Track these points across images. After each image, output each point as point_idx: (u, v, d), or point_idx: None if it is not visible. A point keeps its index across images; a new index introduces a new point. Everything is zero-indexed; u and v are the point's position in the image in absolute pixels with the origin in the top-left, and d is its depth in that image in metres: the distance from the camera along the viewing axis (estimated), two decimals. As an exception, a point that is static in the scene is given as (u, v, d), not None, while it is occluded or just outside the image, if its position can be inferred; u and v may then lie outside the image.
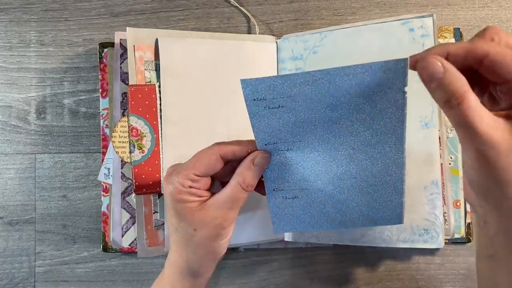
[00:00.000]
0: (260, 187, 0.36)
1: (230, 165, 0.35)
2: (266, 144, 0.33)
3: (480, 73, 0.28)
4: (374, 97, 0.30)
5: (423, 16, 0.44)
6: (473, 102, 0.25)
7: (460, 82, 0.26)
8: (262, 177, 0.35)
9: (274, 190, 0.36)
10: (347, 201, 0.36)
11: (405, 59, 0.28)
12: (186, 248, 0.36)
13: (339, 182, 0.35)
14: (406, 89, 0.29)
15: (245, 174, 0.34)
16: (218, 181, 0.37)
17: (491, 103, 0.30)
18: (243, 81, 0.30)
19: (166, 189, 0.35)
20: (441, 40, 0.47)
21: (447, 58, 0.27)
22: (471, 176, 0.28)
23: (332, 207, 0.37)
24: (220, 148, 0.34)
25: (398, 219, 0.37)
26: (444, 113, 0.28)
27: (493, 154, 0.26)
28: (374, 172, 0.34)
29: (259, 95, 0.30)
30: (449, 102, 0.26)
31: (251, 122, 0.32)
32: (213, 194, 0.36)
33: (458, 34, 0.47)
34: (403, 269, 0.49)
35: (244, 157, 0.34)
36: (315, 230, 0.38)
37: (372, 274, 0.49)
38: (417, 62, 0.27)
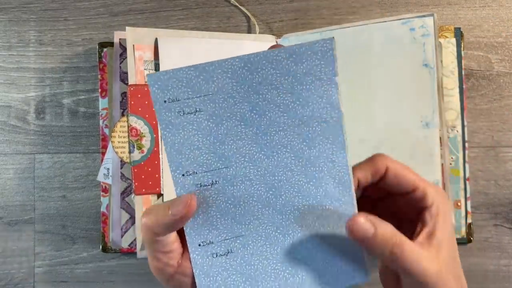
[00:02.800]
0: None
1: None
2: (183, 175, 0.25)
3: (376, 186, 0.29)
4: (304, 93, 0.25)
5: (423, 16, 0.44)
6: (408, 246, 0.26)
7: (391, 231, 0.26)
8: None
9: (200, 245, 0.27)
10: (296, 250, 0.27)
11: (331, 39, 0.24)
12: None
13: (281, 218, 0.27)
14: (338, 79, 0.25)
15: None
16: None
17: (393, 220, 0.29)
18: (149, 76, 0.24)
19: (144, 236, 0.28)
20: (442, 40, 0.46)
21: (359, 182, 0.28)
22: None
23: (279, 261, 0.27)
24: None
25: (363, 273, 0.29)
26: (386, 264, 0.28)
27: (433, 280, 0.26)
28: (320, 201, 0.27)
29: (171, 94, 0.24)
30: (393, 254, 0.26)
31: (162, 137, 0.25)
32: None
33: (458, 33, 0.47)
34: (404, 269, 0.49)
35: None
36: None
37: (372, 274, 0.49)
38: (347, 226, 0.26)
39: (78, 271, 0.49)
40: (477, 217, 0.48)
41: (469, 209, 0.47)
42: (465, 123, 0.46)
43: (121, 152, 0.46)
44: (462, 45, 0.47)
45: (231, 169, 0.26)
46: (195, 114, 0.25)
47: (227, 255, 0.27)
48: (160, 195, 0.46)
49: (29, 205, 0.49)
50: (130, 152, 0.45)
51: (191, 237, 0.26)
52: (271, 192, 0.27)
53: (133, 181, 0.44)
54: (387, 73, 0.45)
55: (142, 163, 0.45)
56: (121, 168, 0.47)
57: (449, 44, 0.46)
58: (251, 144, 0.26)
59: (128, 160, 0.45)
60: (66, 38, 0.50)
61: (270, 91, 0.25)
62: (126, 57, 0.46)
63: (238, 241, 0.27)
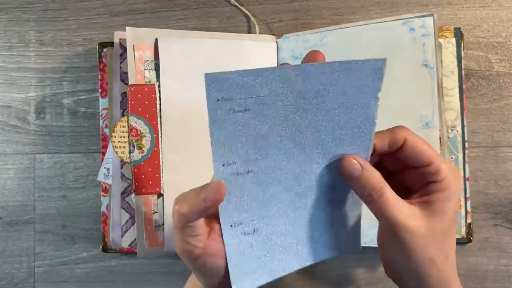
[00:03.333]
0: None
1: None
2: (224, 165, 0.28)
3: (395, 158, 0.31)
4: (346, 102, 0.28)
5: (423, 16, 0.44)
6: (390, 195, 0.29)
7: (376, 178, 0.29)
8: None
9: (232, 226, 0.30)
10: (308, 226, 0.32)
11: (383, 60, 0.27)
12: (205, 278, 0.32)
13: (300, 202, 0.31)
14: (380, 95, 0.28)
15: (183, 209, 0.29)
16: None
17: (404, 193, 0.32)
18: (207, 75, 0.25)
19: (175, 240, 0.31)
20: (441, 40, 0.46)
21: (375, 147, 0.30)
22: (396, 259, 0.31)
23: (293, 235, 0.32)
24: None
25: (356, 243, 0.34)
26: (367, 207, 0.31)
27: (413, 239, 0.29)
28: (336, 188, 0.32)
29: (225, 94, 0.26)
30: (370, 196, 0.29)
31: (210, 132, 0.27)
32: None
33: (458, 33, 0.47)
34: (404, 269, 0.49)
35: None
36: (278, 276, 0.32)
37: (372, 274, 0.49)
38: (339, 162, 0.30)
39: (78, 271, 0.49)
40: (477, 217, 0.48)
41: (469, 209, 0.47)
42: (465, 123, 0.47)
43: (121, 152, 0.46)
44: (462, 45, 0.47)
45: (266, 160, 0.29)
46: (243, 113, 0.27)
47: (253, 233, 0.31)
48: (160, 195, 0.46)
49: (29, 205, 0.50)
50: (130, 152, 0.45)
51: (224, 219, 0.29)
52: (296, 181, 0.30)
53: (133, 181, 0.44)
54: (387, 73, 0.45)
55: (142, 163, 0.45)
56: (121, 168, 0.47)
57: (449, 44, 0.46)
58: (288, 140, 0.29)
59: (128, 160, 0.45)
60: (66, 38, 0.50)
61: (316, 98, 0.28)
62: (126, 57, 0.46)
63: (263, 221, 0.31)
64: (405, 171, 0.32)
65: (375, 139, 0.30)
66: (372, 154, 0.31)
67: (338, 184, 0.31)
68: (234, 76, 0.26)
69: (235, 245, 0.30)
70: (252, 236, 0.31)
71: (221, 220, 0.29)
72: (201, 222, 0.30)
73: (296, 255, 0.32)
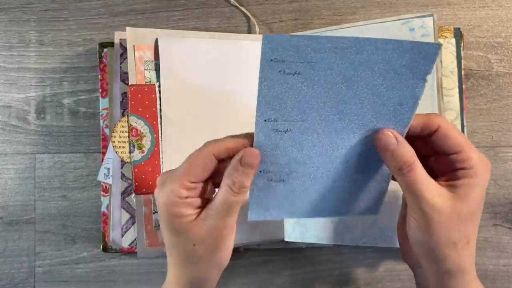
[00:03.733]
0: None
1: (224, 163, 0.32)
2: (265, 120, 0.30)
3: (427, 144, 0.32)
4: (394, 79, 0.29)
5: (423, 16, 0.44)
6: (420, 171, 0.30)
7: (409, 153, 0.30)
8: None
9: (261, 171, 0.33)
10: (333, 187, 0.34)
11: (439, 45, 0.28)
12: (186, 266, 0.34)
13: (330, 166, 0.33)
14: (429, 77, 0.29)
15: (233, 176, 0.31)
16: (211, 182, 0.34)
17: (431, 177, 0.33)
18: (265, 36, 0.26)
19: (160, 201, 0.32)
20: (441, 40, 0.47)
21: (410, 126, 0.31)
22: (417, 237, 0.32)
23: (315, 193, 0.35)
24: (213, 147, 0.31)
25: (375, 209, 0.37)
26: (397, 181, 0.32)
27: (437, 217, 0.30)
28: (368, 160, 0.33)
29: (279, 55, 0.27)
30: (401, 170, 0.30)
31: (258, 88, 0.28)
32: (207, 201, 0.33)
33: (458, 34, 0.47)
34: (403, 269, 0.49)
35: None
36: (291, 218, 0.36)
37: (372, 274, 0.49)
38: (375, 134, 0.31)
39: (78, 270, 0.49)
40: (476, 217, 0.48)
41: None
42: (465, 123, 0.47)
43: (121, 152, 0.46)
44: (462, 45, 0.47)
45: (306, 123, 0.31)
46: (293, 75, 0.28)
47: (279, 182, 0.33)
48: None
49: (30, 205, 0.50)
50: (130, 152, 0.45)
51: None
52: (330, 146, 0.32)
53: (133, 181, 0.44)
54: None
55: (143, 163, 0.45)
56: (122, 168, 0.47)
57: (449, 45, 0.47)
58: (330, 108, 0.30)
59: (128, 160, 0.45)
60: (66, 38, 0.50)
61: (366, 71, 0.28)
62: (126, 57, 0.46)
63: (291, 175, 0.33)
64: (435, 157, 0.33)
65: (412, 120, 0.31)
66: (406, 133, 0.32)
67: (370, 156, 0.33)
68: (290, 40, 0.27)
69: (260, 186, 0.33)
70: (277, 185, 0.33)
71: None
72: (201, 188, 0.32)
73: (314, 207, 0.35)
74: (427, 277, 0.33)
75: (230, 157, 0.32)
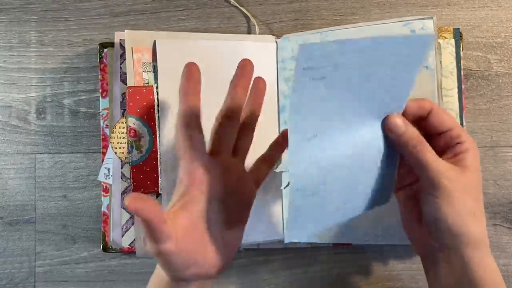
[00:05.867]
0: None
1: None
2: (298, 132, 0.30)
3: (422, 130, 0.35)
4: (400, 69, 0.31)
5: (423, 18, 0.44)
6: (430, 149, 0.33)
7: (417, 133, 0.34)
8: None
9: (298, 189, 0.32)
10: (354, 184, 0.36)
11: (433, 35, 0.32)
12: None
13: (351, 163, 0.35)
14: (424, 62, 0.33)
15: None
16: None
17: None
18: (303, 46, 0.27)
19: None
20: (441, 41, 0.47)
21: (405, 110, 0.34)
22: (438, 214, 0.33)
23: (342, 195, 0.36)
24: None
25: (386, 199, 0.38)
26: (409, 160, 0.34)
27: (455, 187, 0.32)
28: (379, 149, 0.35)
29: (312, 62, 0.28)
30: (414, 148, 0.33)
31: (292, 98, 0.29)
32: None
33: (457, 34, 0.47)
34: (403, 269, 0.49)
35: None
36: (324, 230, 0.37)
37: (372, 274, 0.49)
38: (385, 119, 0.34)
39: (78, 270, 0.49)
40: (476, 217, 0.48)
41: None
42: (464, 123, 0.47)
43: (120, 153, 0.46)
44: (462, 46, 0.47)
45: (330, 125, 0.32)
46: (320, 80, 0.29)
47: (313, 196, 0.33)
48: (158, 194, 0.46)
49: (30, 205, 0.50)
50: (128, 152, 0.45)
51: (293, 183, 0.32)
52: (348, 144, 0.33)
53: (132, 180, 0.45)
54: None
55: (141, 163, 0.45)
56: (122, 168, 0.47)
57: (448, 45, 0.47)
58: (348, 107, 0.32)
59: (127, 160, 0.45)
60: (67, 38, 0.50)
61: (379, 66, 0.30)
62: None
63: (322, 186, 0.33)
64: (432, 139, 0.35)
65: (408, 103, 0.34)
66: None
67: (382, 144, 0.35)
68: (324, 46, 0.28)
69: (297, 206, 0.33)
70: (312, 198, 0.34)
71: (291, 184, 0.32)
72: (169, 220, 0.30)
73: (343, 210, 0.36)
74: (450, 258, 0.34)
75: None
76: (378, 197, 0.38)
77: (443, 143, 0.35)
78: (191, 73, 0.35)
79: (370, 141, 0.35)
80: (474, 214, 0.33)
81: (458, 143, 0.34)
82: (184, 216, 0.32)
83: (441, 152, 0.35)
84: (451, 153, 0.35)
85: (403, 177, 0.38)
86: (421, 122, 0.35)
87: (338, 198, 0.36)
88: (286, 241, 0.36)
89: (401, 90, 0.33)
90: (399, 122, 0.34)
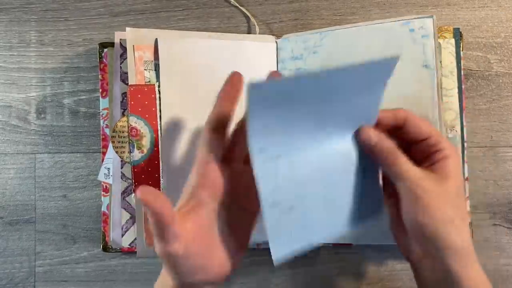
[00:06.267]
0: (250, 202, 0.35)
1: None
2: (260, 151, 0.31)
3: (400, 139, 0.35)
4: (361, 90, 0.33)
5: (423, 17, 0.44)
6: (404, 158, 0.33)
7: (391, 144, 0.34)
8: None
9: (271, 206, 0.32)
10: (337, 199, 0.36)
11: (395, 59, 0.32)
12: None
13: (328, 179, 0.35)
14: (388, 81, 0.33)
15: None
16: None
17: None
18: (251, 85, 0.28)
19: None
20: (441, 41, 0.47)
21: (379, 120, 0.35)
22: (415, 223, 0.33)
23: (325, 209, 0.35)
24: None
25: (378, 210, 0.38)
26: (384, 171, 0.35)
27: (429, 197, 0.32)
28: (355, 162, 0.36)
29: (263, 96, 0.29)
30: (387, 160, 0.33)
31: (248, 124, 0.30)
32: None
33: (457, 34, 0.47)
34: (403, 269, 0.49)
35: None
36: (313, 245, 0.35)
37: (372, 274, 0.49)
38: (357, 131, 0.34)
39: (78, 270, 0.49)
40: (476, 217, 0.48)
41: (468, 209, 0.47)
42: (464, 123, 0.47)
43: (121, 152, 0.46)
44: (462, 46, 0.47)
45: (295, 143, 0.33)
46: (277, 108, 0.30)
47: (290, 210, 0.33)
48: (160, 194, 0.46)
49: (30, 204, 0.50)
50: (130, 152, 0.45)
51: (264, 199, 0.32)
52: (320, 159, 0.34)
53: (133, 180, 0.44)
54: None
55: (142, 163, 0.45)
56: (122, 168, 0.47)
57: (448, 45, 0.47)
58: (313, 125, 0.33)
59: (128, 160, 0.45)
60: (66, 38, 0.50)
61: (338, 91, 0.32)
62: (126, 57, 0.46)
63: (297, 200, 0.33)
64: (411, 149, 0.35)
65: (381, 113, 0.35)
66: (378, 127, 0.35)
67: (355, 158, 0.35)
68: (274, 85, 0.30)
69: (274, 223, 0.33)
70: (289, 214, 0.33)
71: (262, 202, 0.32)
72: (179, 220, 0.31)
73: (329, 225, 0.36)
74: (433, 266, 0.34)
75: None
76: (367, 210, 0.37)
77: (422, 151, 0.35)
78: (233, 80, 0.35)
79: (344, 155, 0.35)
80: (452, 222, 0.32)
81: (436, 150, 0.34)
82: (193, 220, 0.32)
83: (420, 160, 0.35)
84: (430, 161, 0.34)
85: (386, 184, 0.38)
86: (398, 131, 0.35)
87: (321, 213, 0.35)
88: (275, 263, 0.33)
89: (369, 105, 0.34)
90: (371, 134, 0.34)
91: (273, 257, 0.33)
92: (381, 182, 0.38)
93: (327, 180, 0.35)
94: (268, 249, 0.50)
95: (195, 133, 0.46)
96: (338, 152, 0.35)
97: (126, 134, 0.46)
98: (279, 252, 0.33)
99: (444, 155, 0.34)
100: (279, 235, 0.33)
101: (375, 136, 0.34)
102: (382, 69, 0.32)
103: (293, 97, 0.30)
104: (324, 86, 0.31)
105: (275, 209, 0.33)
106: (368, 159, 0.36)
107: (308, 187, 0.34)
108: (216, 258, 0.34)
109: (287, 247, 0.34)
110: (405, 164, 0.33)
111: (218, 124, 0.34)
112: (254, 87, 0.28)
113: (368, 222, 0.37)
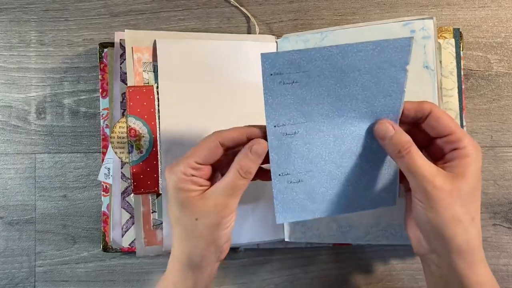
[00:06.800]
0: (261, 174, 0.38)
1: (231, 154, 0.36)
2: (275, 126, 0.34)
3: (423, 132, 0.35)
4: (379, 74, 0.33)
5: (423, 18, 0.44)
6: (418, 153, 0.33)
7: (406, 138, 0.34)
8: (262, 164, 0.36)
9: (280, 175, 0.36)
10: (348, 181, 0.37)
11: (409, 38, 0.32)
12: (187, 240, 0.36)
13: (341, 161, 0.36)
14: (408, 67, 0.33)
15: (242, 162, 0.35)
16: (219, 173, 0.38)
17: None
18: (263, 55, 0.31)
19: (169, 179, 0.35)
20: (441, 41, 0.47)
21: (403, 112, 0.34)
22: (423, 218, 0.33)
23: (334, 188, 0.37)
24: (219, 135, 0.35)
25: (392, 200, 0.38)
26: (397, 164, 0.35)
27: (439, 194, 0.32)
28: (374, 149, 0.36)
29: (277, 69, 0.31)
30: (400, 153, 0.33)
31: (264, 100, 0.33)
32: (213, 184, 0.36)
33: (457, 34, 0.47)
34: (403, 269, 0.49)
35: (243, 144, 0.35)
36: (316, 217, 0.38)
37: (372, 274, 0.49)
38: (374, 125, 0.35)
39: (79, 270, 0.49)
40: (476, 217, 0.48)
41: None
42: (464, 123, 0.47)
43: (120, 153, 0.46)
44: (462, 46, 0.47)
45: (311, 123, 0.35)
46: (292, 84, 0.32)
47: (298, 183, 0.37)
48: (158, 194, 0.46)
49: (30, 204, 0.50)
50: (129, 152, 0.45)
51: (274, 169, 0.36)
52: (337, 142, 0.36)
53: (132, 180, 0.45)
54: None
55: (141, 163, 0.45)
56: (122, 168, 0.47)
57: (448, 45, 0.47)
58: (329, 107, 0.34)
59: (127, 160, 0.45)
60: (67, 38, 0.50)
61: (354, 72, 0.32)
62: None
63: (307, 174, 0.36)
64: (430, 145, 0.36)
65: (406, 104, 0.34)
66: (401, 120, 0.35)
67: (374, 146, 0.36)
68: (285, 55, 0.31)
69: (281, 189, 0.37)
70: (297, 185, 0.37)
71: (272, 169, 0.36)
72: (208, 171, 0.36)
73: (334, 204, 0.38)
74: (440, 262, 0.34)
75: (235, 147, 0.36)
76: (382, 198, 0.38)
77: (442, 147, 0.35)
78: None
79: (361, 141, 0.36)
80: (460, 221, 0.32)
81: (457, 148, 0.33)
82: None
83: (439, 156, 0.35)
84: (448, 158, 0.34)
85: (404, 177, 0.38)
86: (421, 124, 0.35)
87: (329, 190, 0.37)
88: (277, 222, 0.38)
89: (389, 95, 0.34)
90: (388, 126, 0.34)
91: (276, 218, 0.37)
92: (398, 175, 0.38)
93: (340, 162, 0.36)
94: (268, 249, 0.50)
95: (194, 133, 0.46)
96: (356, 137, 0.36)
97: (125, 134, 0.46)
98: (282, 214, 0.37)
99: (463, 153, 0.33)
100: (284, 201, 0.37)
101: (392, 129, 0.34)
102: (395, 50, 0.32)
103: (309, 74, 0.32)
104: (337, 64, 0.32)
105: (284, 178, 0.36)
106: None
107: (320, 165, 0.36)
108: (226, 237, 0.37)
109: (290, 212, 0.37)
110: (419, 160, 0.33)
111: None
112: (267, 57, 0.30)
113: (377, 207, 0.39)
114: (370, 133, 0.35)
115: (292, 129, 0.34)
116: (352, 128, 0.35)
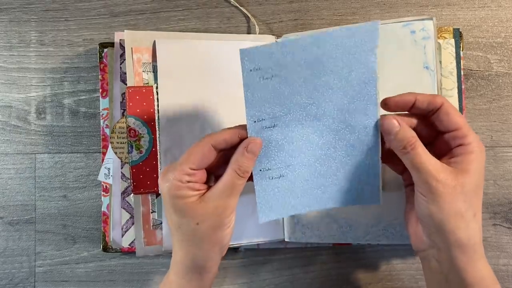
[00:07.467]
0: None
1: (224, 156, 0.36)
2: (255, 121, 0.35)
3: (428, 128, 0.36)
4: (351, 60, 0.33)
5: (423, 19, 0.44)
6: (422, 148, 0.34)
7: (411, 134, 0.34)
8: None
9: (261, 170, 0.36)
10: (329, 175, 0.37)
11: (376, 22, 0.33)
12: (190, 245, 0.36)
13: (321, 152, 0.36)
14: (377, 50, 0.33)
15: (240, 161, 0.35)
16: (213, 175, 0.38)
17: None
18: (242, 51, 0.31)
19: (163, 187, 0.35)
20: (440, 41, 0.47)
21: (415, 104, 0.35)
22: (426, 212, 0.34)
23: (314, 181, 0.37)
24: (211, 138, 0.35)
25: (376, 198, 0.38)
26: (401, 159, 0.35)
27: (442, 188, 0.32)
28: (352, 142, 0.36)
29: (256, 64, 0.32)
30: (404, 149, 0.34)
31: (244, 96, 0.34)
32: (210, 187, 0.36)
33: (457, 34, 0.47)
34: (403, 269, 0.49)
35: (236, 144, 0.35)
36: (298, 213, 0.38)
37: (372, 274, 0.49)
38: (381, 119, 0.35)
39: (78, 270, 0.49)
40: (476, 217, 0.48)
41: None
42: (464, 123, 0.47)
43: (120, 153, 0.46)
44: (462, 46, 0.47)
45: (289, 115, 0.35)
46: (271, 79, 0.33)
47: (279, 178, 0.37)
48: (158, 194, 0.46)
49: (30, 204, 0.50)
50: (128, 152, 0.45)
51: (255, 164, 0.36)
52: (316, 134, 0.36)
53: (132, 180, 0.45)
54: (388, 75, 0.45)
55: (141, 163, 0.45)
56: (122, 168, 0.47)
57: (448, 45, 0.47)
58: (306, 99, 0.35)
59: (126, 161, 0.45)
60: (67, 38, 0.50)
61: (328, 60, 0.33)
62: (126, 58, 0.46)
63: (288, 169, 0.37)
64: (435, 141, 0.36)
65: (419, 96, 0.35)
66: (412, 112, 0.36)
67: (352, 138, 0.36)
68: (264, 49, 0.32)
69: (263, 186, 0.37)
70: (278, 181, 0.37)
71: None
72: (203, 176, 0.36)
73: (315, 197, 0.38)
74: (440, 257, 0.35)
75: (228, 148, 0.35)
76: (365, 195, 0.38)
77: (447, 143, 0.35)
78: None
79: (339, 134, 0.36)
80: (462, 217, 0.33)
81: (462, 144, 0.34)
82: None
83: (444, 152, 0.35)
84: (453, 153, 0.34)
85: (405, 171, 0.38)
86: (430, 117, 0.36)
87: (310, 184, 0.37)
88: (260, 222, 0.37)
89: (364, 82, 0.34)
90: (394, 122, 0.34)
91: (258, 217, 0.37)
92: (380, 171, 0.38)
93: (319, 154, 0.36)
94: (268, 249, 0.50)
95: (193, 133, 0.46)
96: (334, 129, 0.36)
97: (125, 135, 0.46)
98: (265, 212, 0.37)
99: (468, 149, 0.34)
100: (266, 199, 0.37)
101: (398, 125, 0.34)
102: (365, 34, 0.33)
103: (287, 66, 0.33)
104: (313, 53, 0.33)
105: (265, 173, 0.36)
106: (371, 145, 0.36)
107: (300, 158, 0.36)
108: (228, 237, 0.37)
109: (273, 210, 0.38)
110: (424, 155, 0.33)
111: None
112: (246, 53, 0.31)
113: (361, 204, 0.38)
114: (348, 126, 0.36)
115: (271, 122, 0.35)
116: (330, 120, 0.35)
